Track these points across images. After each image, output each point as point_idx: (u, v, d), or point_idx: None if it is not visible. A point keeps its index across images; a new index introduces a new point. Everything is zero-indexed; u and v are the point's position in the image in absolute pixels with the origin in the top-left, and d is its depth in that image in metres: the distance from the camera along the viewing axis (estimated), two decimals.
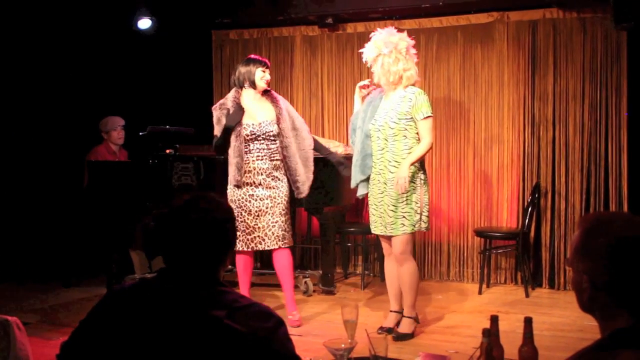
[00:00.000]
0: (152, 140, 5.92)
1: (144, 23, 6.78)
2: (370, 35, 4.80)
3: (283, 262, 5.10)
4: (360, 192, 4.86)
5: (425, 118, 4.58)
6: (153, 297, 1.92)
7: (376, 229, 4.77)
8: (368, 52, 4.74)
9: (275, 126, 5.05)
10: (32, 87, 6.75)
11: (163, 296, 1.91)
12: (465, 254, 6.64)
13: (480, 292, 6.08)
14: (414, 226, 4.58)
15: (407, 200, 4.56)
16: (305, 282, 5.99)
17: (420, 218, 4.61)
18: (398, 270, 4.71)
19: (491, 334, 2.40)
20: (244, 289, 5.20)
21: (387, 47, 4.65)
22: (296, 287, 6.11)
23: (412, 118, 4.59)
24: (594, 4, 6.05)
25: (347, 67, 6.95)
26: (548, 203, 6.31)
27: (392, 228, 4.62)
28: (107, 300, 1.99)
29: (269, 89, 5.20)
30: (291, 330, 4.84)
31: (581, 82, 6.21)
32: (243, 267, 5.19)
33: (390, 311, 4.81)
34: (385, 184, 4.64)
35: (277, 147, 5.07)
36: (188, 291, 1.91)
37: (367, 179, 4.79)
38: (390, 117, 4.63)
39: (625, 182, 6.04)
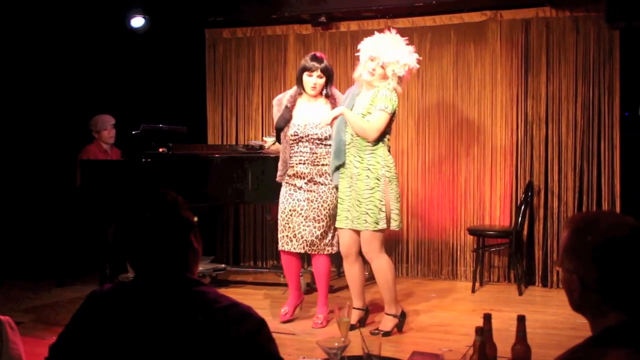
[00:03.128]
0: (145, 138, 5.90)
1: (137, 21, 6.76)
2: (396, 41, 4.71)
3: (316, 269, 5.08)
4: (335, 181, 4.86)
5: (380, 109, 4.55)
6: (132, 301, 1.89)
7: (341, 222, 4.78)
8: (391, 62, 4.63)
9: (324, 129, 4.90)
10: (25, 85, 6.73)
11: (141, 300, 1.89)
12: (458, 253, 6.65)
13: (473, 291, 6.09)
14: (377, 224, 4.57)
15: (370, 197, 4.58)
16: (299, 278, 5.98)
17: (388, 216, 4.61)
18: (373, 267, 4.75)
19: (484, 332, 2.41)
20: (291, 287, 5.16)
21: (404, 68, 4.66)
22: None
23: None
24: (587, 3, 6.06)
25: (340, 66, 6.94)
26: (541, 201, 6.32)
27: (358, 223, 4.65)
28: (88, 305, 1.97)
29: (331, 91, 5.02)
30: (285, 329, 4.88)
31: (574, 81, 6.22)
32: (285, 267, 5.14)
33: (354, 308, 4.79)
34: (352, 178, 4.67)
35: (326, 152, 4.93)
36: (165, 294, 1.88)
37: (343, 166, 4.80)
38: (358, 112, 4.66)
39: (618, 181, 6.06)
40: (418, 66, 4.80)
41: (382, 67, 4.63)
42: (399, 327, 4.78)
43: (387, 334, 4.65)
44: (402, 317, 4.80)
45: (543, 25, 6.32)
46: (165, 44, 7.19)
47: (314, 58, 4.97)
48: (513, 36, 6.42)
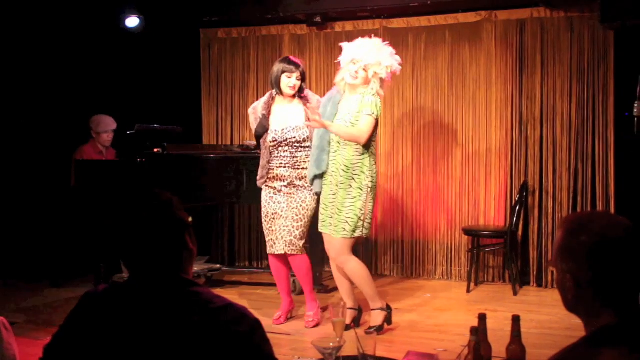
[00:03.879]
0: (140, 139, 5.90)
1: (132, 21, 6.75)
2: (377, 45, 4.72)
3: (297, 269, 5.08)
4: (316, 189, 4.86)
5: (366, 115, 4.56)
6: (126, 302, 1.89)
7: (324, 227, 4.79)
8: (373, 64, 4.64)
9: (301, 132, 4.93)
10: (20, 85, 6.70)
11: (135, 301, 1.88)
12: (453, 253, 6.65)
13: (468, 291, 6.09)
14: (354, 232, 4.62)
15: (351, 206, 4.61)
16: (293, 281, 5.98)
17: (363, 225, 4.64)
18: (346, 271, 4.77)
19: (479, 332, 2.41)
20: (281, 292, 5.20)
21: (385, 70, 4.66)
22: None
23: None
24: (581, 3, 6.08)
25: (335, 66, 6.88)
26: (536, 201, 6.33)
27: (335, 230, 4.68)
28: (82, 306, 1.96)
29: (304, 91, 5.05)
30: (280, 330, 4.88)
31: (569, 81, 6.24)
32: (274, 272, 5.17)
33: (347, 308, 4.78)
34: (337, 186, 4.68)
35: (305, 155, 4.95)
36: (159, 294, 1.88)
37: (323, 176, 4.79)
38: (345, 120, 4.66)
39: (612, 181, 6.08)
40: (399, 68, 4.81)
41: (365, 69, 4.65)
42: (388, 320, 4.80)
43: (380, 328, 4.70)
44: (389, 309, 4.83)
45: (538, 25, 6.33)
46: (160, 44, 7.18)
47: (291, 62, 5.04)
48: (508, 36, 6.43)
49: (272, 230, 5.00)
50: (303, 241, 5.00)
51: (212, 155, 5.91)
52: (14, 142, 6.73)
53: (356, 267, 4.72)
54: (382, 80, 4.69)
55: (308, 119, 4.80)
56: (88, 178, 5.82)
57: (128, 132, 6.00)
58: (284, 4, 6.73)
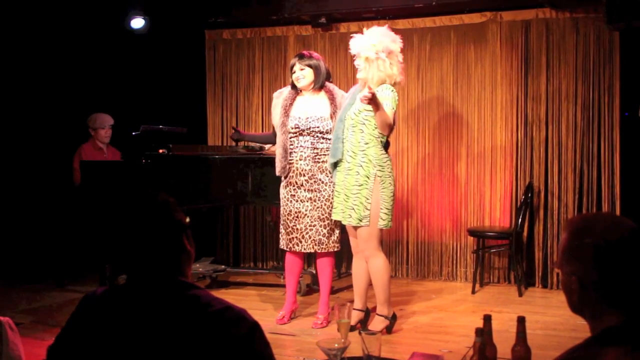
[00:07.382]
0: (145, 139, 5.90)
1: (137, 22, 6.76)
2: (368, 32, 4.76)
3: (320, 268, 5.10)
4: (334, 179, 4.87)
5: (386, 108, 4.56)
6: (124, 305, 1.88)
7: (336, 214, 4.80)
8: (363, 49, 4.68)
9: (325, 122, 4.92)
10: (25, 86, 6.73)
11: (134, 304, 1.87)
12: (458, 254, 6.64)
13: (473, 292, 6.09)
14: (360, 221, 4.59)
15: (358, 194, 4.60)
16: (298, 282, 5.98)
17: (375, 215, 4.59)
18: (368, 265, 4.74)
19: (484, 333, 2.40)
20: (288, 291, 5.16)
21: (383, 51, 4.66)
22: None
23: (372, 112, 4.56)
24: (587, 4, 6.06)
25: (340, 67, 6.95)
26: (541, 202, 6.32)
27: (343, 217, 4.71)
28: (81, 308, 1.95)
29: (321, 83, 5.00)
30: (285, 330, 4.88)
31: (574, 82, 6.22)
32: (288, 268, 5.15)
33: (354, 309, 4.77)
34: (346, 171, 4.69)
35: (327, 147, 4.93)
36: (157, 297, 1.87)
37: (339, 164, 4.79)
38: (355, 108, 4.67)
39: (618, 182, 6.06)
40: (393, 44, 4.73)
41: (366, 59, 4.66)
42: (388, 329, 4.77)
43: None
44: (393, 319, 4.80)
45: (543, 26, 6.32)
46: (166, 45, 7.19)
47: (297, 55, 5.11)
48: (513, 37, 6.42)
49: (298, 229, 4.97)
50: (333, 238, 4.99)
51: (217, 156, 5.92)
52: (20, 143, 6.76)
53: (380, 266, 4.68)
54: (386, 61, 4.67)
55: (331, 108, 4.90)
56: (93, 179, 5.83)
57: (133, 133, 6.01)
58: (289, 5, 6.74)
